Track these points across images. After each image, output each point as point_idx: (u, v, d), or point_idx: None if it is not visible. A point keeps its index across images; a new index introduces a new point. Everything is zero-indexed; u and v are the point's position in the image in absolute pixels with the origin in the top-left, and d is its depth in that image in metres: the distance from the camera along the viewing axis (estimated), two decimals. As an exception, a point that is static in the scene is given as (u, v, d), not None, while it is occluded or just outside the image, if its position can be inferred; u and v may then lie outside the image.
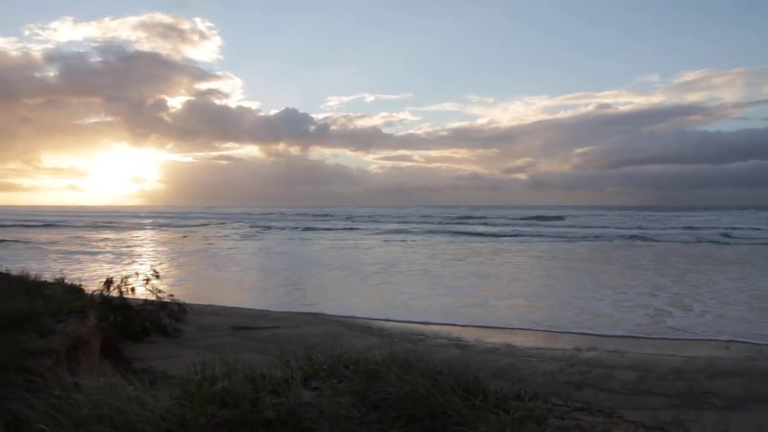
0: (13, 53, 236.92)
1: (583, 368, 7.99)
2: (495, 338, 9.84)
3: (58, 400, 2.31)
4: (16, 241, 35.09)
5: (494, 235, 41.75)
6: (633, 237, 38.18)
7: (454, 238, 38.76)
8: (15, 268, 9.08)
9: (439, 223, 59.90)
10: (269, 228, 51.84)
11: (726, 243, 33.56)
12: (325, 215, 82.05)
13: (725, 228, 44.29)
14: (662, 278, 17.56)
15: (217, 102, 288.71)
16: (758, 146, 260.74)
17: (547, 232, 43.19)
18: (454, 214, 77.47)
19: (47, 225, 55.86)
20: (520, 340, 9.76)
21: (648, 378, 7.56)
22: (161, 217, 78.56)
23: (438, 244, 34.25)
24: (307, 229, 51.76)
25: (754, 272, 19.35)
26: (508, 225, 54.18)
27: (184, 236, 42.81)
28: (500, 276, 18.55)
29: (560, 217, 65.80)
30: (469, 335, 10.10)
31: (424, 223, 60.32)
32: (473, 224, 56.47)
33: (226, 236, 42.77)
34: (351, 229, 51.41)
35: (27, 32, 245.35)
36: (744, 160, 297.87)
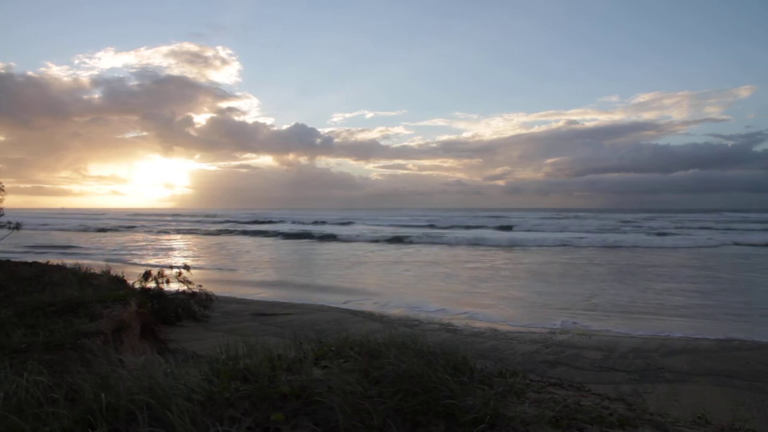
0: (66, 79, 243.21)
1: (557, 349, 7.99)
2: (481, 324, 9.83)
3: (106, 373, 2.33)
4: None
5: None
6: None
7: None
8: (69, 262, 9.10)
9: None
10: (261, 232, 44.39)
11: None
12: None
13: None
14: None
15: (237, 118, 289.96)
16: (699, 158, 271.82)
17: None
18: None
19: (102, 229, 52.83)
20: (503, 326, 9.74)
21: (612, 357, 7.56)
22: (190, 219, 76.54)
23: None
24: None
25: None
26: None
27: (214, 234, 42.72)
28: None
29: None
30: (459, 321, 10.08)
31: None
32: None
33: (243, 235, 42.65)
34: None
35: (77, 61, 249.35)
36: (685, 170, 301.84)
